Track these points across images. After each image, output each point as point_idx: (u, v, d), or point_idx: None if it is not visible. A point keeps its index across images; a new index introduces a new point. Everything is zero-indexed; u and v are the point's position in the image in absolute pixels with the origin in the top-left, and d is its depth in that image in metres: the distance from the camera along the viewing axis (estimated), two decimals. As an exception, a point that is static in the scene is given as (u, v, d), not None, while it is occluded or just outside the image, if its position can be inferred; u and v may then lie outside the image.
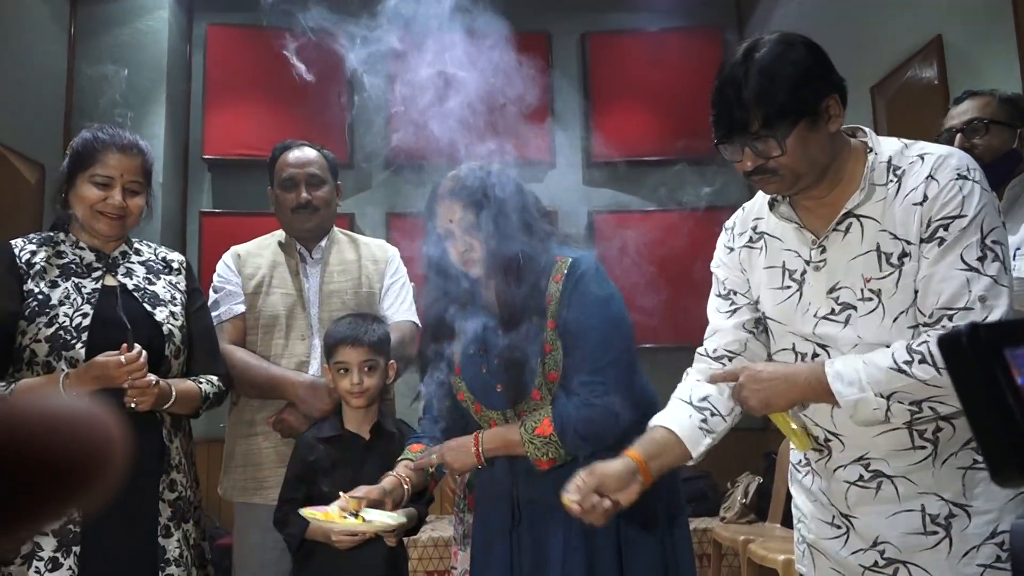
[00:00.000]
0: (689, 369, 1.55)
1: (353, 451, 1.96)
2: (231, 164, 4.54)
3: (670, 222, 4.66)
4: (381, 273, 2.28)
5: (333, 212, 2.29)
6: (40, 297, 1.72)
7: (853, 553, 1.37)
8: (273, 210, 2.29)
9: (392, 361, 2.01)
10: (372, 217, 4.61)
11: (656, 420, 1.47)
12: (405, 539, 2.02)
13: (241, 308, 2.17)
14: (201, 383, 1.85)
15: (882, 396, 1.22)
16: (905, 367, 1.20)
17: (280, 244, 2.27)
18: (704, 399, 1.45)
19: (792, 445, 1.44)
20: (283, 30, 5.32)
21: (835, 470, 1.38)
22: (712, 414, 1.44)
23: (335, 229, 2.32)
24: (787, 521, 3.34)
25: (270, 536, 2.03)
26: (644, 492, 1.58)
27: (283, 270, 2.22)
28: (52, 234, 1.84)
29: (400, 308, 2.25)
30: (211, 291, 2.21)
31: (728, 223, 1.57)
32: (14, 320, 1.69)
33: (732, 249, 1.52)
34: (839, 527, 1.40)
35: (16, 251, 1.76)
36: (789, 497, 1.62)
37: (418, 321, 2.29)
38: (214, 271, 2.26)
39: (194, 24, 4.65)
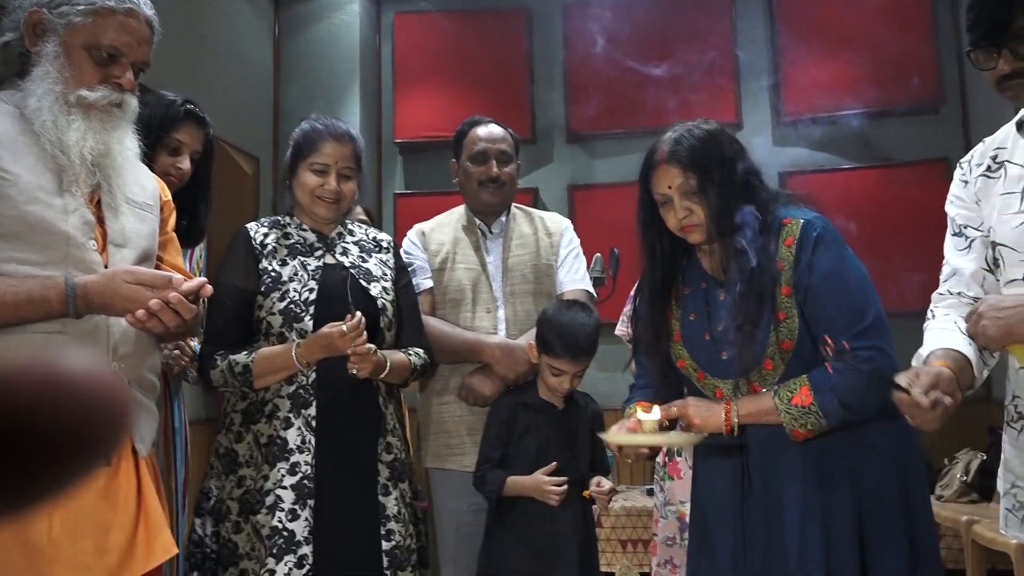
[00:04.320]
0: (933, 308, 1.50)
1: (547, 418, 2.03)
2: (420, 146, 4.75)
3: (871, 180, 4.34)
4: (556, 245, 2.33)
5: (515, 189, 2.37)
6: (273, 275, 1.89)
7: None
8: (456, 182, 2.38)
9: None
10: (554, 191, 4.66)
11: (939, 343, 1.40)
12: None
13: (429, 283, 2.28)
14: (410, 355, 1.97)
15: None
16: None
17: (461, 220, 2.36)
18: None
19: None
20: (464, 13, 5.46)
21: None
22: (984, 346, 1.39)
23: (512, 205, 2.39)
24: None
25: (464, 500, 2.14)
26: (884, 473, 1.52)
27: (465, 245, 2.31)
28: (279, 218, 2.02)
29: (574, 277, 2.31)
30: None
31: (965, 158, 1.50)
32: (253, 296, 1.88)
33: (967, 182, 1.46)
34: None
35: (252, 233, 1.95)
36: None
37: (592, 290, 2.36)
38: (408, 249, 2.39)
39: (382, 14, 4.88)
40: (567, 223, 2.42)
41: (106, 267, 1.40)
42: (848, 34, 4.34)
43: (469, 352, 2.18)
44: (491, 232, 2.33)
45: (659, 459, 2.81)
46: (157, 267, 1.56)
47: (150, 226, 1.54)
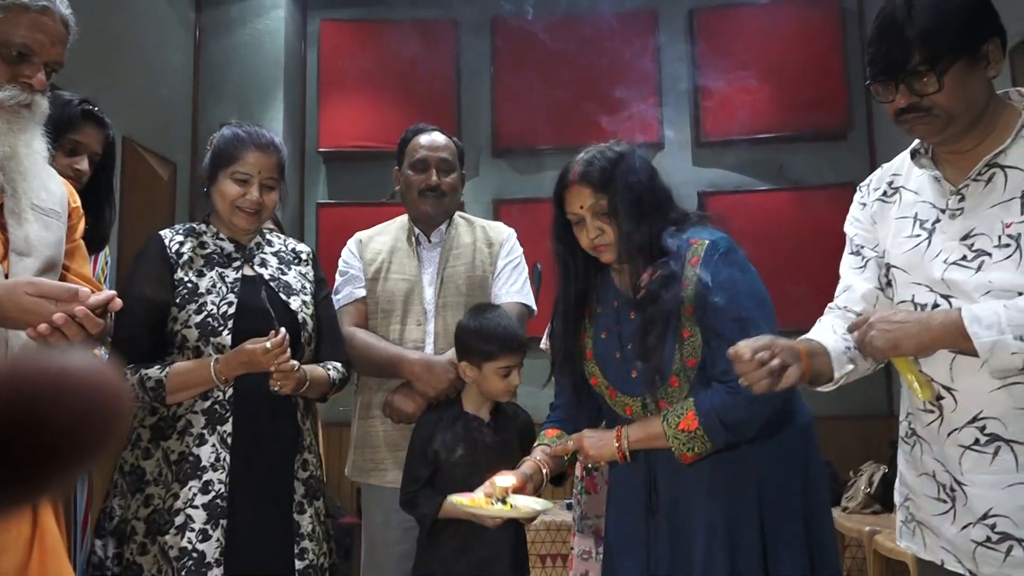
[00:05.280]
0: (822, 318, 1.56)
1: (475, 432, 1.98)
2: (345, 156, 4.69)
3: (784, 202, 4.51)
4: (495, 256, 2.27)
5: (458, 200, 2.32)
6: (189, 286, 1.82)
7: (963, 529, 1.32)
8: (397, 191, 2.31)
9: None
10: (479, 205, 4.67)
11: (803, 337, 1.46)
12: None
13: (362, 292, 2.22)
14: (328, 369, 1.92)
15: (1022, 339, 1.18)
16: None
17: (402, 229, 2.30)
18: (848, 334, 1.45)
19: (915, 395, 1.38)
20: (392, 23, 5.42)
21: (949, 434, 1.34)
22: (855, 347, 1.43)
23: (456, 214, 2.34)
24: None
25: (393, 517, 2.08)
26: (787, 486, 1.56)
27: (402, 255, 2.25)
28: (194, 225, 1.94)
29: (511, 289, 2.23)
30: (336, 275, 2.28)
31: (863, 182, 1.57)
32: (166, 307, 1.80)
33: (865, 205, 1.53)
34: (944, 501, 1.35)
35: (166, 242, 1.87)
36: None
37: (531, 303, 2.28)
38: (332, 260, 2.32)
39: (308, 21, 4.81)
40: (509, 232, 2.34)
41: (7, 276, 1.33)
42: (765, 62, 4.51)
43: (390, 367, 2.12)
44: (429, 241, 2.26)
45: (577, 473, 2.83)
46: (63, 277, 1.49)
47: (56, 234, 1.47)
